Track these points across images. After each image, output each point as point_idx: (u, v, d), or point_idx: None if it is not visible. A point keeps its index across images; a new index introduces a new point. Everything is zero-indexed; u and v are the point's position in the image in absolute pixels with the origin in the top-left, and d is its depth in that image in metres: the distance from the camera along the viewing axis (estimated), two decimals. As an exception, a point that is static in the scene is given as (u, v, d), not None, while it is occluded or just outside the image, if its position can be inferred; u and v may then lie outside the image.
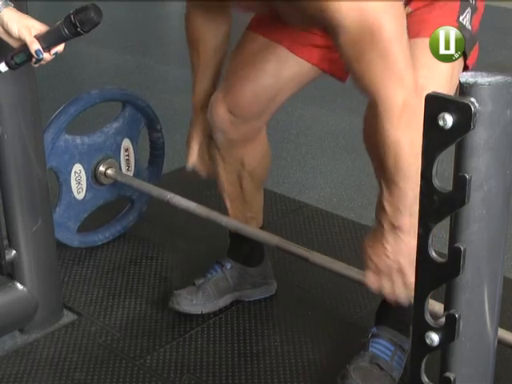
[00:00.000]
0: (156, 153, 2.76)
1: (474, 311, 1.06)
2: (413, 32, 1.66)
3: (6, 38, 1.70)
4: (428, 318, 1.06)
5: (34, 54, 1.68)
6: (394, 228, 1.69)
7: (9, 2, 1.68)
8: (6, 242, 2.14)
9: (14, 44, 1.71)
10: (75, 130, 2.53)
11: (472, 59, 1.83)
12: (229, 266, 2.30)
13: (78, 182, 2.52)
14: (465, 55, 1.77)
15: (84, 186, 2.54)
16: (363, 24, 1.52)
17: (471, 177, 0.96)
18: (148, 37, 5.36)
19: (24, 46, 1.69)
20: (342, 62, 1.99)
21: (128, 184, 2.60)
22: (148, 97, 3.90)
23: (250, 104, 2.01)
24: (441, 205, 0.97)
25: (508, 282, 2.31)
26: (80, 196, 2.54)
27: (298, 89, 2.09)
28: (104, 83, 4.22)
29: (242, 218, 2.24)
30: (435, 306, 1.57)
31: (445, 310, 1.07)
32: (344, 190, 3.07)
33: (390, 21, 1.54)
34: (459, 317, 1.04)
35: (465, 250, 1.00)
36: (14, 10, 1.68)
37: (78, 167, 2.51)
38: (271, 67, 2.00)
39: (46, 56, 1.71)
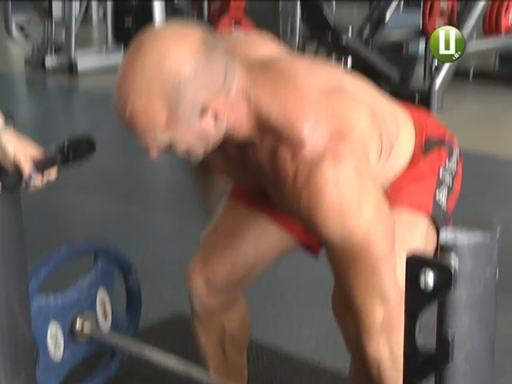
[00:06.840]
0: (133, 298, 2.69)
1: None
2: (390, 199, 1.67)
3: (1, 159, 1.75)
4: None
5: (26, 178, 1.73)
6: None
7: (8, 126, 1.74)
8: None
9: (9, 166, 1.75)
10: (48, 286, 2.46)
11: None
12: None
13: (54, 341, 2.43)
14: (438, 230, 1.77)
15: (61, 345, 2.45)
16: (351, 242, 1.53)
17: (454, 335, 0.97)
18: (135, 185, 5.44)
19: (17, 169, 1.74)
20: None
21: (106, 342, 2.53)
22: (134, 246, 3.92)
23: (229, 273, 2.00)
24: (424, 364, 0.98)
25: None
26: (58, 355, 2.45)
27: (276, 259, 2.11)
28: (90, 232, 4.24)
29: (226, 378, 2.17)
30: None
31: None
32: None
33: (378, 239, 1.54)
34: None
35: (451, 409, 1.00)
36: (12, 133, 1.74)
37: (53, 327, 2.43)
38: (252, 236, 2.01)
39: (38, 182, 1.75)
